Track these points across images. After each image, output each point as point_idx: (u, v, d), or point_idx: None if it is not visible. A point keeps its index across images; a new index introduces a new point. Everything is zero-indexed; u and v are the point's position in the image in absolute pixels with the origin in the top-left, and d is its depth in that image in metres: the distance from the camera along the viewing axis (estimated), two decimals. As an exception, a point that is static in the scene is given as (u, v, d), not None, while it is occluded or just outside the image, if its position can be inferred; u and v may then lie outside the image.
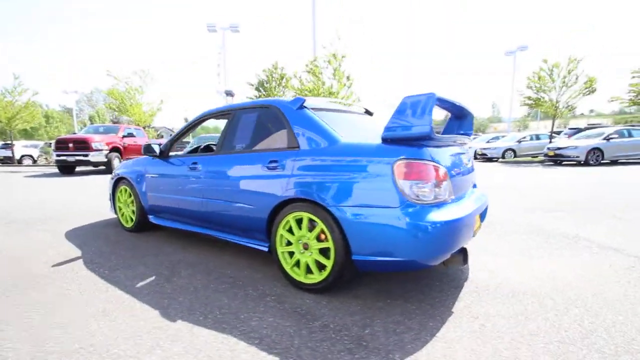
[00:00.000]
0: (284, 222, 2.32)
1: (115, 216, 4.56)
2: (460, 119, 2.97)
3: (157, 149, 3.38)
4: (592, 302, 2.09)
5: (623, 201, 5.14)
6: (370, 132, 2.64)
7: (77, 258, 2.98)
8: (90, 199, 6.24)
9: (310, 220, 2.21)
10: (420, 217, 1.84)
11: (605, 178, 8.24)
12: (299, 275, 2.28)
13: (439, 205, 1.91)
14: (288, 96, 17.50)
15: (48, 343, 1.71)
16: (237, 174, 2.64)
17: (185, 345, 1.68)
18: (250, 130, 2.81)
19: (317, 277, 2.19)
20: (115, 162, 12.16)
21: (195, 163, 2.99)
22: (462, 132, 2.95)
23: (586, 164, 12.05)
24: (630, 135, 12.38)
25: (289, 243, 2.36)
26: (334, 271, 2.10)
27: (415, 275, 2.52)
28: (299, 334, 1.78)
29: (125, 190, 3.84)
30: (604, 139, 12.27)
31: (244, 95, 18.33)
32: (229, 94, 17.62)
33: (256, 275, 2.56)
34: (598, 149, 12.09)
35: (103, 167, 11.96)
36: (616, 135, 12.33)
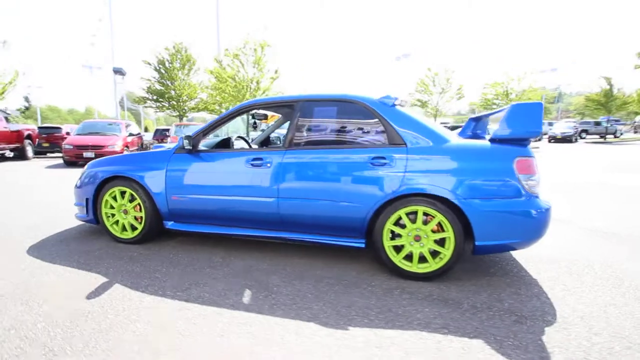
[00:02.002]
0: (393, 216, 2.40)
1: (79, 224, 3.60)
2: (477, 121, 3.54)
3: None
4: (600, 259, 2.89)
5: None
6: None
7: (107, 284, 2.32)
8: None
9: (424, 213, 2.36)
10: (535, 205, 2.24)
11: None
12: (411, 266, 2.41)
13: (538, 195, 2.35)
14: (201, 79, 16.02)
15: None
16: (329, 171, 2.53)
17: (397, 349, 1.66)
18: (328, 125, 2.69)
19: (433, 265, 2.37)
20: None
21: (259, 159, 2.67)
22: (478, 131, 3.52)
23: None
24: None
25: (394, 236, 2.44)
26: (452, 258, 2.32)
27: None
28: (465, 317, 1.96)
29: (122, 193, 3.06)
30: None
31: (138, 75, 15.75)
32: (119, 71, 14.79)
33: (350, 273, 2.55)
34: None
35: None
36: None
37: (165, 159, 2.95)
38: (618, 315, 2.00)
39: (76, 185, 3.32)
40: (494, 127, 2.79)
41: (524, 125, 2.26)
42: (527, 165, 2.26)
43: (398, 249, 2.46)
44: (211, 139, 3.60)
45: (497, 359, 1.60)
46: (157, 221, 3.02)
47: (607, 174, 8.01)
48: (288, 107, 2.83)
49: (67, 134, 13.51)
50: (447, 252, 2.33)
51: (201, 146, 3.03)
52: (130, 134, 12.35)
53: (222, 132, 9.19)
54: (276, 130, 4.39)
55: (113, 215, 3.13)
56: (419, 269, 2.40)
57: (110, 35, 14.95)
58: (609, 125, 24.83)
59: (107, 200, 3.11)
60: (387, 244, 2.44)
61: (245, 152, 2.79)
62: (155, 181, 2.93)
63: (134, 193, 3.01)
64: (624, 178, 7.40)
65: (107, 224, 3.13)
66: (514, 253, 2.99)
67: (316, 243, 2.64)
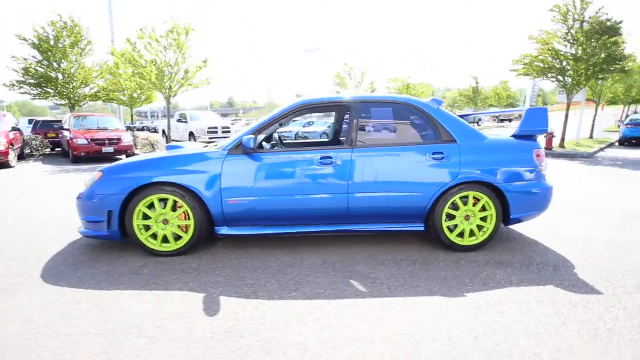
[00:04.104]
0: (450, 202, 2.86)
1: (70, 241, 3.05)
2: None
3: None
4: (556, 220, 3.96)
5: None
6: None
7: (209, 299, 2.17)
8: None
9: (473, 197, 2.90)
10: (547, 185, 3.00)
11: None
12: (463, 241, 2.93)
13: (545, 177, 3.11)
14: (97, 62, 13.60)
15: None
16: (396, 166, 2.82)
17: (511, 302, 2.13)
18: (386, 125, 2.96)
19: (479, 238, 2.94)
20: None
21: (328, 157, 2.76)
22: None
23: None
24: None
25: (447, 218, 2.92)
26: (494, 231, 2.94)
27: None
28: (524, 272, 2.57)
29: (162, 202, 2.73)
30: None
31: (7, 52, 12.48)
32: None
33: (413, 253, 2.93)
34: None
35: None
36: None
37: (218, 160, 2.76)
38: (604, 256, 2.90)
39: (84, 197, 2.79)
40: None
41: (537, 125, 2.98)
42: (540, 154, 2.99)
43: (450, 228, 2.95)
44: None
45: (574, 295, 2.22)
46: (208, 228, 2.81)
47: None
48: (343, 107, 2.98)
49: None
50: (490, 227, 2.93)
51: None
52: (14, 128, 9.88)
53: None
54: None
55: (147, 227, 2.77)
56: (469, 242, 2.94)
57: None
58: (474, 116, 30.92)
59: (140, 211, 2.73)
60: (445, 225, 2.90)
61: (312, 151, 2.84)
62: (208, 185, 2.72)
63: (179, 200, 2.72)
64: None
65: (142, 238, 2.76)
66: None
67: (381, 231, 2.93)
